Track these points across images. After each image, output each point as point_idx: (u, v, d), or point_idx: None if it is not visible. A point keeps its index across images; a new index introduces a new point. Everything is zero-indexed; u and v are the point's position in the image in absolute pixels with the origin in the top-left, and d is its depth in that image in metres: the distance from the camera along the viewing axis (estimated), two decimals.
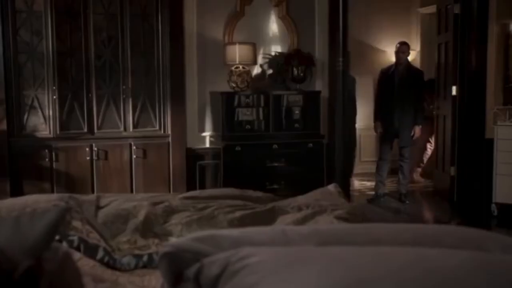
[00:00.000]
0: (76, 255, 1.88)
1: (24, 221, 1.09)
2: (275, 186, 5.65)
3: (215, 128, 5.95)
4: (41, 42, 5.51)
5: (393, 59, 8.22)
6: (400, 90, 6.71)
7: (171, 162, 5.86)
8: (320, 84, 6.10)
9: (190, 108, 5.93)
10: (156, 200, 2.36)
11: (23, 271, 1.02)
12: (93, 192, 5.62)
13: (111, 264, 1.93)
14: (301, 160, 5.74)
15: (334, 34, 5.48)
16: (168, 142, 5.86)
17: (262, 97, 5.77)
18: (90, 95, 5.65)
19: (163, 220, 2.21)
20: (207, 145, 6.02)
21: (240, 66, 5.70)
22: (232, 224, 2.16)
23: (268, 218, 2.23)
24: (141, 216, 2.18)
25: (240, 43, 5.71)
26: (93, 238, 1.99)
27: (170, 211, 2.27)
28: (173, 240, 1.91)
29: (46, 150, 5.56)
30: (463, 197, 6.52)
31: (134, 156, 5.77)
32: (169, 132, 5.85)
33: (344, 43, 3.22)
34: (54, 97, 5.54)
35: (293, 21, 6.06)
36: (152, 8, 5.76)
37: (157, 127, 5.85)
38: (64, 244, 1.94)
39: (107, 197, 2.43)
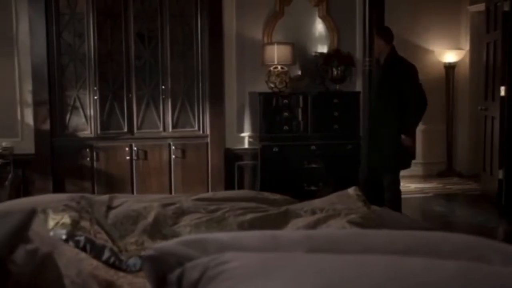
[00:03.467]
0: (81, 255, 1.88)
1: None
2: (313, 188, 5.59)
3: (253, 129, 5.93)
4: (83, 44, 5.62)
5: (442, 59, 8.03)
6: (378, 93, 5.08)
7: (209, 162, 5.88)
8: (360, 85, 5.98)
9: (229, 108, 5.93)
10: (168, 201, 2.36)
11: None
12: (132, 191, 5.70)
13: (117, 265, 1.93)
14: (339, 162, 5.65)
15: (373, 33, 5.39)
16: (207, 143, 5.88)
17: (300, 97, 5.71)
18: (130, 95, 5.73)
19: (172, 221, 2.21)
20: (246, 145, 6.01)
21: (279, 67, 5.66)
22: (242, 226, 2.13)
23: (280, 221, 2.19)
24: (150, 217, 2.18)
25: (278, 43, 5.67)
26: (101, 238, 1.99)
27: (181, 213, 2.26)
28: None
29: (87, 150, 5.66)
30: (511, 201, 6.29)
31: (173, 156, 5.81)
32: (208, 132, 5.87)
33: (371, 42, 3.13)
34: (95, 97, 5.64)
35: (333, 21, 5.98)
36: (191, 9, 5.79)
37: (196, 128, 5.88)
38: (71, 243, 1.95)
39: (120, 197, 2.44)
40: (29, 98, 5.55)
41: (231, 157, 5.93)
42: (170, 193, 5.72)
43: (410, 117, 5.06)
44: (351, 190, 2.48)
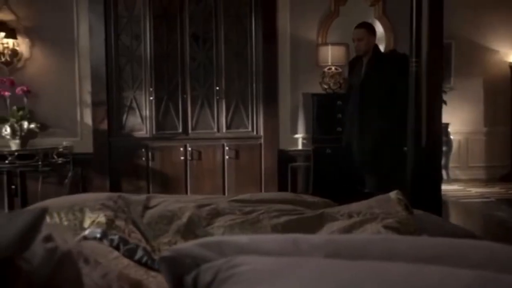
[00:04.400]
0: (113, 254, 1.91)
1: (2, 221, 1.12)
2: (367, 191, 5.49)
3: (307, 130, 5.89)
4: (140, 46, 5.73)
5: (507, 58, 7.75)
6: (357, 96, 4.85)
7: (263, 163, 5.88)
8: None
9: (283, 109, 5.91)
10: (204, 202, 2.36)
11: None
12: (186, 192, 5.77)
13: (149, 265, 1.95)
14: (394, 165, 5.52)
15: (434, 34, 5.24)
16: (260, 144, 5.88)
17: None
18: (185, 96, 5.80)
19: (206, 222, 2.21)
20: (300, 147, 5.98)
21: (333, 67, 5.61)
22: (276, 229, 2.11)
23: (314, 224, 2.16)
24: (184, 218, 2.19)
25: (332, 44, 5.61)
26: (134, 238, 2.02)
27: (215, 214, 2.26)
28: None
29: (143, 150, 5.77)
30: None
31: (226, 157, 5.85)
32: (261, 133, 5.87)
33: (418, 42, 3.03)
34: (151, 98, 5.74)
35: (390, 21, 5.86)
36: (245, 10, 5.81)
37: (250, 129, 5.89)
38: (105, 242, 1.98)
39: (158, 197, 2.47)
40: (88, 99, 5.72)
41: (285, 158, 5.91)
42: (223, 193, 5.76)
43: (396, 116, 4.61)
44: (393, 194, 2.42)
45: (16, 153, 5.22)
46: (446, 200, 6.69)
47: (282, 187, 5.79)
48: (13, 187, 5.64)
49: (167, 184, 5.77)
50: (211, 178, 5.86)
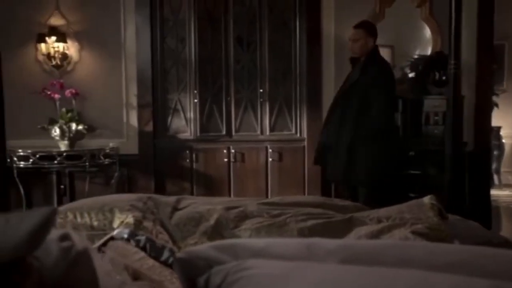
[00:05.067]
0: (139, 254, 1.94)
1: (13, 221, 1.15)
2: (412, 195, 5.39)
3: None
4: (185, 48, 5.80)
5: None
6: (342, 99, 4.60)
7: (306, 166, 5.85)
8: (465, 89, 5.70)
9: (327, 112, 5.86)
10: (233, 204, 2.37)
11: (1, 266, 1.08)
12: (230, 194, 5.81)
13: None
14: (441, 169, 5.40)
15: (483, 35, 5.13)
16: (304, 146, 5.86)
17: (399, 101, 5.53)
18: (228, 98, 5.84)
19: (233, 225, 2.21)
20: None
21: None
22: (302, 233, 2.09)
23: (342, 228, 2.13)
24: (212, 220, 2.21)
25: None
26: (161, 239, 2.05)
27: (243, 216, 2.26)
28: None
29: (187, 151, 5.84)
30: None
31: (270, 159, 5.85)
32: (305, 136, 5.85)
33: (457, 43, 2.95)
34: (195, 100, 5.81)
35: (437, 22, 5.74)
36: (290, 12, 5.81)
37: (293, 131, 5.88)
38: (132, 242, 2.02)
39: (188, 199, 2.50)
40: (134, 101, 5.82)
41: None
42: (266, 196, 5.77)
43: (365, 126, 4.40)
44: (427, 199, 2.37)
45: (64, 154, 5.37)
46: (497, 206, 6.52)
47: (325, 190, 5.74)
48: (62, 186, 5.81)
49: (210, 185, 5.82)
50: (254, 180, 5.88)
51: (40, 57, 5.80)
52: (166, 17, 5.82)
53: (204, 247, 1.43)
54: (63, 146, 5.44)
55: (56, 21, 5.77)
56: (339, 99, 4.61)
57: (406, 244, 1.49)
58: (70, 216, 2.08)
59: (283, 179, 5.87)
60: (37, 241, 1.16)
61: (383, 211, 2.28)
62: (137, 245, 2.01)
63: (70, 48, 5.80)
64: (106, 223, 2.08)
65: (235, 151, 5.84)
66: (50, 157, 5.36)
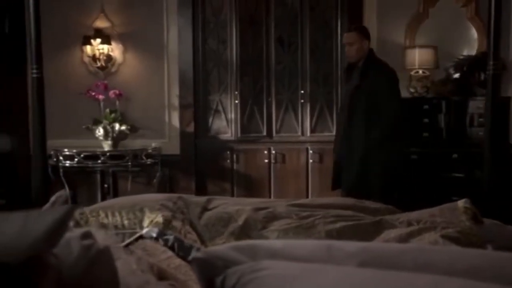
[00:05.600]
0: (166, 253, 1.97)
1: (32, 218, 1.18)
2: (455, 198, 5.28)
3: None
4: (226, 50, 5.84)
5: None
6: (346, 107, 4.42)
7: None
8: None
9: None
10: (262, 205, 2.37)
11: (18, 264, 1.11)
12: (270, 195, 5.81)
13: None
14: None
15: None
16: None
17: (443, 103, 5.43)
18: (269, 99, 5.85)
19: (261, 225, 2.22)
20: None
21: (420, 71, 5.45)
22: (330, 235, 2.08)
23: (371, 231, 2.11)
24: (241, 220, 2.21)
25: (420, 46, 5.46)
26: (190, 238, 2.07)
27: (272, 217, 2.26)
28: None
29: (228, 152, 5.87)
30: None
31: (310, 161, 5.83)
32: None
33: (496, 43, 2.87)
34: (236, 101, 5.84)
35: (483, 22, 5.60)
36: (331, 12, 5.77)
37: (334, 132, 5.82)
38: (160, 241, 2.04)
39: (218, 200, 2.51)
40: (176, 102, 5.90)
41: None
42: (307, 197, 5.75)
43: (377, 131, 4.25)
44: (461, 202, 2.32)
45: (108, 154, 5.48)
46: None
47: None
48: (105, 186, 5.93)
49: (251, 186, 5.83)
50: (295, 181, 5.87)
51: (86, 59, 5.94)
52: (208, 19, 5.87)
53: (223, 248, 1.43)
54: (106, 146, 5.55)
55: (101, 23, 5.89)
56: (344, 110, 4.45)
57: (427, 248, 1.47)
58: (102, 214, 2.12)
59: (324, 180, 5.81)
60: (55, 239, 1.18)
61: (414, 214, 2.24)
62: (165, 245, 2.04)
63: (114, 50, 5.91)
64: (136, 222, 2.11)
65: (276, 152, 5.84)
66: (94, 157, 5.48)
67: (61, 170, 5.47)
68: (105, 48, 5.86)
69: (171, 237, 2.06)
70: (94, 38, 5.81)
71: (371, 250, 1.41)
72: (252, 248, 1.41)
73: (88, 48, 5.88)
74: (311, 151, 5.82)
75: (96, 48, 5.84)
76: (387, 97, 4.26)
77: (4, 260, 1.10)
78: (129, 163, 5.49)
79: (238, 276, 1.27)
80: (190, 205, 2.31)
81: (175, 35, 5.87)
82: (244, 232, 2.18)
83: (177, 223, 2.09)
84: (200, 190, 5.69)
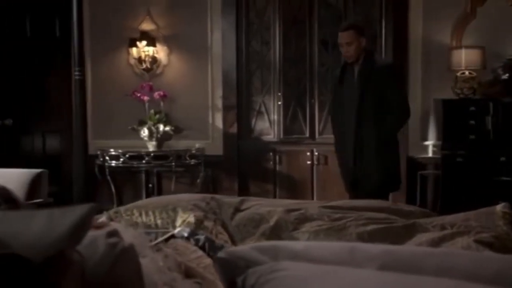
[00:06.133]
0: (197, 253, 1.99)
1: (56, 215, 1.22)
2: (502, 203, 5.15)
3: (438, 137, 5.64)
4: (269, 51, 5.86)
5: None
6: (353, 108, 4.19)
7: None
8: None
9: (413, 115, 5.61)
10: (294, 207, 2.37)
11: (42, 261, 1.15)
12: (312, 197, 5.78)
13: None
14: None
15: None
16: None
17: (490, 104, 5.29)
18: (312, 101, 5.83)
19: (293, 227, 2.21)
20: (430, 154, 5.74)
21: (466, 72, 5.33)
22: (361, 237, 2.06)
23: (403, 234, 2.07)
24: (272, 221, 2.22)
25: (466, 47, 5.34)
26: (221, 239, 2.09)
27: (303, 219, 2.25)
28: None
29: (271, 153, 5.88)
30: None
31: None
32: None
33: None
34: (279, 103, 5.84)
35: None
36: (376, 13, 5.72)
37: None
38: (192, 241, 2.07)
39: (251, 200, 2.52)
40: (219, 103, 5.95)
41: (414, 165, 5.71)
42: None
43: (388, 126, 4.17)
44: (499, 207, 2.26)
45: (152, 154, 5.58)
46: None
47: (410, 196, 5.59)
48: (150, 185, 6.03)
49: (293, 188, 5.83)
50: (337, 183, 5.77)
51: (132, 61, 6.05)
52: (251, 20, 5.91)
53: (245, 248, 1.44)
54: (151, 146, 5.64)
55: (147, 26, 6.00)
56: (351, 112, 4.24)
57: (453, 252, 1.44)
58: (136, 213, 2.17)
59: None
60: (78, 236, 1.21)
61: (449, 218, 2.20)
62: (196, 244, 2.06)
63: (160, 51, 6.01)
64: (169, 221, 2.14)
65: (319, 154, 5.81)
66: (139, 157, 5.59)
67: (107, 170, 5.59)
68: (150, 50, 5.96)
69: (202, 237, 2.08)
70: (140, 40, 5.92)
71: (394, 253, 1.40)
72: (274, 248, 1.42)
73: (134, 50, 6.00)
74: None
75: (141, 50, 5.95)
76: (396, 91, 4.19)
77: (26, 256, 1.14)
78: (173, 164, 5.57)
79: (257, 276, 1.28)
80: (223, 205, 2.33)
81: (219, 37, 5.92)
82: (275, 233, 2.19)
83: (208, 223, 2.11)
84: (243, 191, 5.71)
